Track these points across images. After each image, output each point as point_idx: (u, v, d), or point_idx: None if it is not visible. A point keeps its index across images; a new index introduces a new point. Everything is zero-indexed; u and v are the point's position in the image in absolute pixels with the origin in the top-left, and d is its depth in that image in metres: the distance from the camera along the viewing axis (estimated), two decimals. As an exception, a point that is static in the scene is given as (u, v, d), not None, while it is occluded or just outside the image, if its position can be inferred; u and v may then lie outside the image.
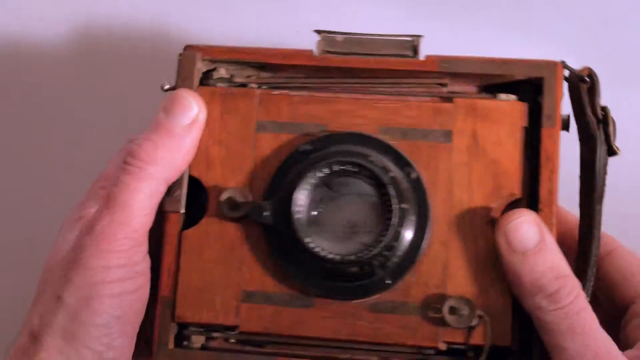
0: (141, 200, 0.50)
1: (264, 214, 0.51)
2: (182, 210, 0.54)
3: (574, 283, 0.49)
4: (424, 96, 0.54)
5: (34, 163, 0.72)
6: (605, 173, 0.53)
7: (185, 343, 0.53)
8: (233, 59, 0.55)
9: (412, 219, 0.51)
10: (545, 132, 0.52)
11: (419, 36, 0.54)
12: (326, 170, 0.51)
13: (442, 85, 0.54)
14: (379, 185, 0.51)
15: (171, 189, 0.53)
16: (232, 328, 0.53)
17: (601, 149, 0.53)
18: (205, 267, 0.53)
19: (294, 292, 0.53)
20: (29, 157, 0.73)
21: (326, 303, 0.52)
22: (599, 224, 0.53)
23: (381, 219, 0.51)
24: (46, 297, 0.50)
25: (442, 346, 0.52)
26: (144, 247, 0.51)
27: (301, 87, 0.55)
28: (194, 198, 0.54)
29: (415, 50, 0.54)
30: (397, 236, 0.51)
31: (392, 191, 0.51)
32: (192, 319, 0.53)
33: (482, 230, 0.52)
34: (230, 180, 0.53)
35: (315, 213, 0.52)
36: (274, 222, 0.52)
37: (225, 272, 0.53)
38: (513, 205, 0.52)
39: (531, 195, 0.53)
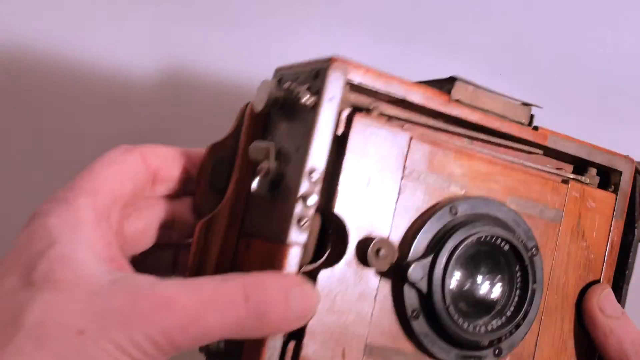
0: None
1: (420, 278, 0.49)
2: (304, 242, 0.48)
3: None
4: (538, 168, 0.55)
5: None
6: (635, 256, 0.59)
7: None
8: (374, 87, 0.50)
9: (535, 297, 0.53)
10: (615, 223, 0.56)
11: (537, 106, 0.55)
12: (475, 241, 0.50)
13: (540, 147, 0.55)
14: (519, 262, 0.52)
15: (300, 220, 0.47)
16: None
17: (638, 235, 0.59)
18: (335, 314, 0.48)
19: (414, 352, 0.50)
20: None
21: None
22: (624, 303, 0.59)
23: (506, 293, 0.52)
24: None
25: None
26: None
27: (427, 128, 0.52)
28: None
29: (531, 118, 0.54)
30: (525, 316, 0.51)
31: (530, 271, 0.51)
32: None
33: (568, 311, 0.55)
34: (372, 224, 0.49)
35: (455, 282, 0.51)
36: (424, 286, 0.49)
37: (355, 320, 0.49)
38: (591, 284, 0.56)
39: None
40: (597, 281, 0.56)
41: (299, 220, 0.47)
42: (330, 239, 0.50)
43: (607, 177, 0.58)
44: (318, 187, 0.47)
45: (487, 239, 0.51)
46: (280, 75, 0.53)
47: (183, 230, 0.55)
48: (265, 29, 0.73)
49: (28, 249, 0.45)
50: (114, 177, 0.51)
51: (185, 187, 0.55)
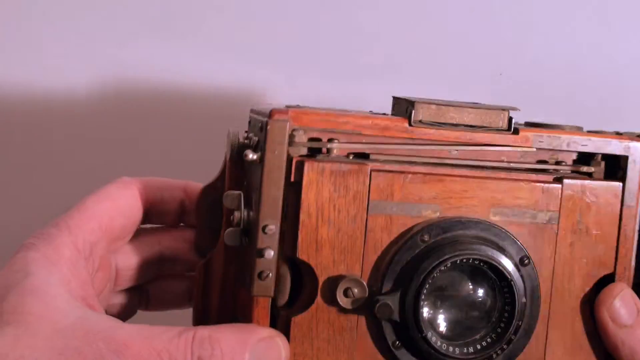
0: None
1: (392, 314, 0.50)
2: (272, 295, 0.50)
3: None
4: (528, 170, 0.53)
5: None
6: None
7: None
8: (326, 128, 0.50)
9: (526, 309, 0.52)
10: (626, 212, 0.53)
11: (514, 108, 0.52)
12: (450, 265, 0.50)
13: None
14: (502, 280, 0.51)
15: (261, 273, 0.49)
16: None
17: None
18: (315, 355, 0.50)
19: None
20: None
21: None
22: None
23: (496, 310, 0.51)
24: None
25: None
26: None
27: (396, 159, 0.52)
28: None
29: (510, 122, 0.52)
30: (517, 330, 0.51)
31: (515, 286, 0.50)
32: None
33: (579, 310, 0.53)
34: (340, 264, 0.50)
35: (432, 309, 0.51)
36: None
37: (337, 358, 0.51)
38: (604, 278, 0.54)
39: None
40: (611, 275, 0.54)
41: (260, 274, 0.49)
42: (304, 282, 0.51)
43: (617, 162, 0.54)
44: (275, 240, 0.49)
45: (463, 261, 0.50)
46: (250, 118, 0.55)
47: (185, 264, 0.58)
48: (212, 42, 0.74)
49: (3, 280, 0.48)
50: (105, 213, 0.53)
51: (184, 220, 0.58)
